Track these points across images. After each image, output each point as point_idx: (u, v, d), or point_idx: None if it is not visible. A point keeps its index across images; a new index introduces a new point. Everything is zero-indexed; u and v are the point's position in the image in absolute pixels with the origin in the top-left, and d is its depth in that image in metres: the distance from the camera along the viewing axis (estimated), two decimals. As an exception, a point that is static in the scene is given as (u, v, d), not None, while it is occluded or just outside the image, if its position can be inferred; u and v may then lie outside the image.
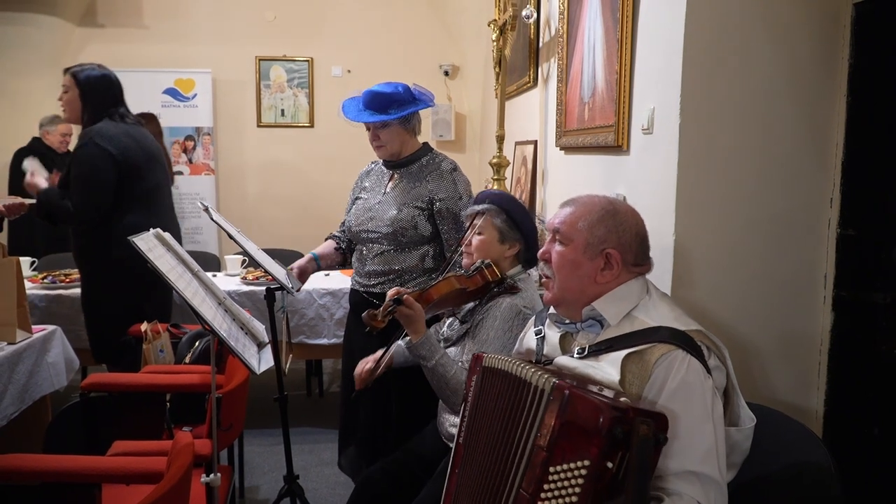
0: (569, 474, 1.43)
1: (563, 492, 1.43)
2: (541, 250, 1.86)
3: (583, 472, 1.41)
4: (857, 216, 2.24)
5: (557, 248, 1.80)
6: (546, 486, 1.45)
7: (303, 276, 3.12)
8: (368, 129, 2.99)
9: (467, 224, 2.54)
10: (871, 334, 2.20)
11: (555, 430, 1.47)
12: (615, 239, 1.75)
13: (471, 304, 2.48)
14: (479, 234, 2.46)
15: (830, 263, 2.29)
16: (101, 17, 6.90)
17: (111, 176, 3.45)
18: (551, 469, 1.45)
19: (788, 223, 2.29)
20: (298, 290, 3.14)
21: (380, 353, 2.53)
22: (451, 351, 2.46)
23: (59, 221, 3.60)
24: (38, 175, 3.63)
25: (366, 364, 2.58)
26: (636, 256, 1.77)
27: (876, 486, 2.20)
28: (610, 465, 1.39)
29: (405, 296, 2.24)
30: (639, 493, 1.39)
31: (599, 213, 1.77)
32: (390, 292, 2.31)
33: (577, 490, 1.41)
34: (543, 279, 1.86)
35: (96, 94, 3.56)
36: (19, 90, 6.40)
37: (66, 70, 3.58)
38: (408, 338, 2.32)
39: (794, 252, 2.30)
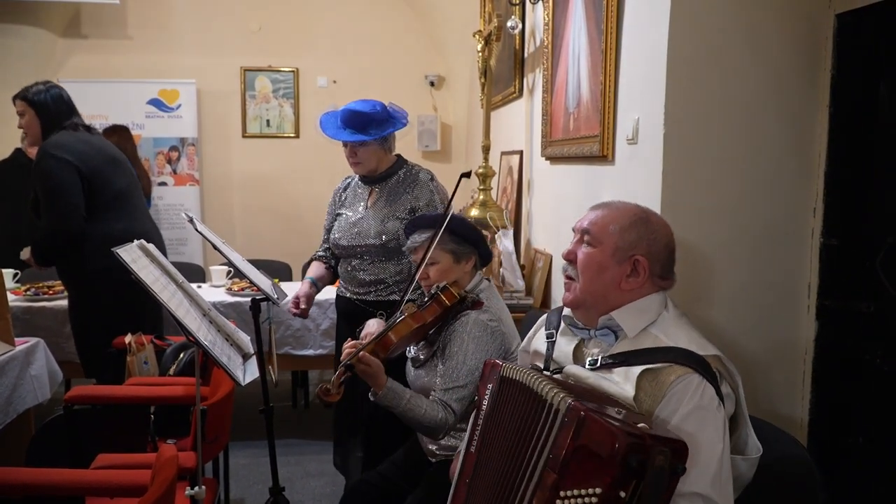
0: (579, 500, 1.37)
1: None
2: (566, 251, 1.81)
3: (593, 499, 1.35)
4: (840, 226, 2.25)
5: (585, 249, 1.75)
6: None
7: (309, 301, 3.17)
8: (345, 146, 3.01)
9: (414, 257, 2.49)
10: (855, 343, 2.22)
11: (567, 453, 1.40)
12: (645, 246, 1.71)
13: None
14: (434, 263, 2.41)
15: (814, 273, 2.31)
16: (85, 28, 6.86)
17: (76, 179, 3.42)
18: (561, 493, 1.39)
19: (772, 233, 2.30)
20: (299, 304, 3.17)
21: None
22: (420, 373, 2.42)
23: (46, 251, 3.56)
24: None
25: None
26: (663, 268, 1.73)
27: (860, 494, 2.21)
28: (623, 494, 1.33)
29: (361, 353, 2.15)
30: None
31: (632, 219, 1.73)
32: (346, 348, 2.26)
33: None
34: (566, 280, 1.81)
35: (50, 110, 3.55)
36: (1, 101, 6.36)
37: (15, 97, 3.58)
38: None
39: (779, 262, 2.31)
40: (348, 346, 2.28)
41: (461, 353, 2.27)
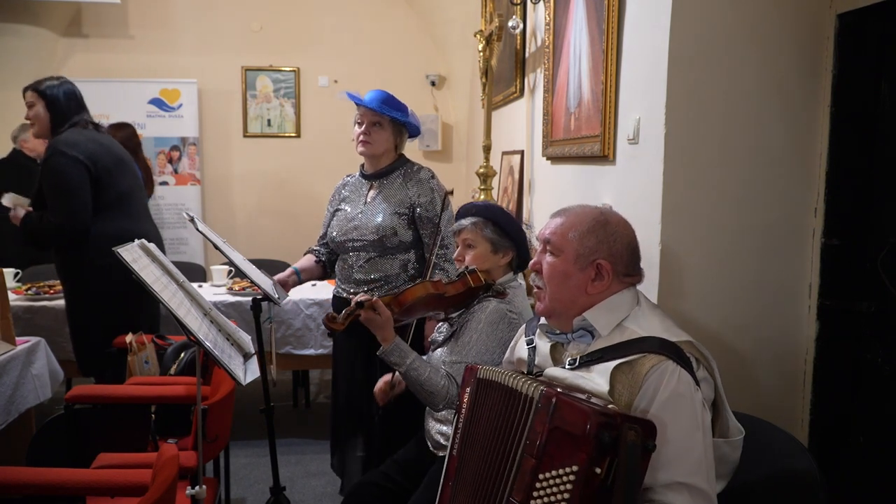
0: (557, 480, 1.42)
1: (552, 498, 1.42)
2: (531, 261, 1.85)
3: (571, 477, 1.40)
4: (841, 226, 2.25)
5: (548, 258, 1.78)
6: (535, 494, 1.45)
7: (284, 286, 3.15)
8: (361, 124, 3.01)
9: (456, 239, 2.53)
10: (856, 343, 2.22)
11: (543, 437, 1.46)
12: (606, 249, 1.73)
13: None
14: (472, 247, 2.45)
15: (815, 273, 2.30)
16: (86, 27, 6.87)
17: (85, 178, 3.44)
18: (540, 476, 1.44)
19: (773, 233, 2.30)
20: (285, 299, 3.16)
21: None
22: (438, 352, 2.45)
23: (46, 241, 3.58)
24: (18, 208, 3.63)
25: (381, 382, 2.59)
26: (627, 267, 1.76)
27: (861, 493, 2.21)
28: (598, 470, 1.38)
29: (373, 300, 2.24)
30: (627, 499, 1.38)
31: (590, 224, 1.75)
32: (357, 298, 2.29)
33: (566, 496, 1.40)
34: (535, 290, 1.84)
35: (61, 104, 3.57)
36: (2, 101, 6.36)
37: (26, 88, 3.58)
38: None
39: (779, 261, 2.31)
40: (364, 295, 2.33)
41: (475, 332, 2.33)
